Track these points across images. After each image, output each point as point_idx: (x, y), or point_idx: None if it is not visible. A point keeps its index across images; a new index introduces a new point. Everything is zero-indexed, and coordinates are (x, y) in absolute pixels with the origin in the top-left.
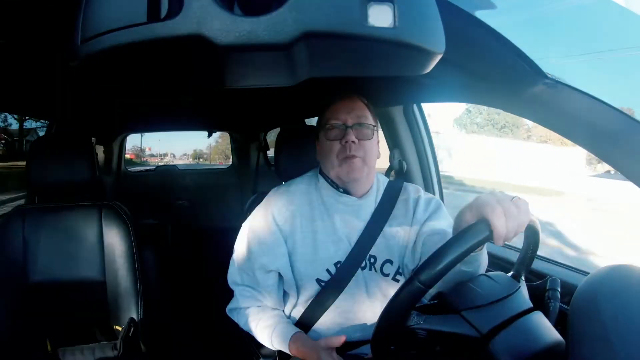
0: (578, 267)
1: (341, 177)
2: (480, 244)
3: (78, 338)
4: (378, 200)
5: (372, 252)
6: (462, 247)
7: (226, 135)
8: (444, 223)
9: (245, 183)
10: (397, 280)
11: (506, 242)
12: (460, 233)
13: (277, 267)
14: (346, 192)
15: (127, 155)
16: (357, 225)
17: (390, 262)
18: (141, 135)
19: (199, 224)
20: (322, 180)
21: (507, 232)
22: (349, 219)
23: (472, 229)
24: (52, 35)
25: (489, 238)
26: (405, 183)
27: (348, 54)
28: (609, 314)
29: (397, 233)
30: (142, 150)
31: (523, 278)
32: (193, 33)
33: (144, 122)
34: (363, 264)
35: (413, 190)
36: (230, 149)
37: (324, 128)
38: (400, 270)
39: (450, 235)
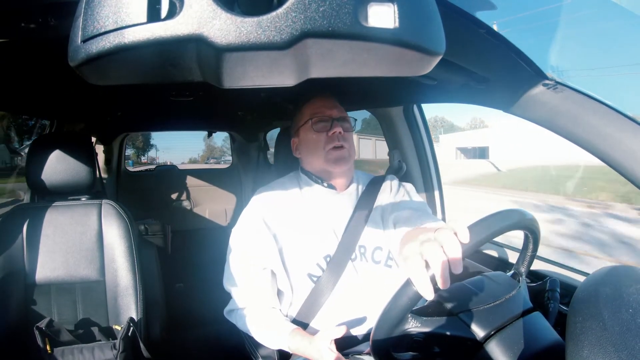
0: None
1: (328, 167)
2: (414, 302)
3: (77, 337)
4: (360, 192)
5: (361, 242)
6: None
7: (211, 145)
8: (414, 203)
9: (245, 183)
10: (390, 266)
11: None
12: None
13: (269, 265)
14: (330, 186)
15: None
16: (342, 217)
17: (380, 248)
18: (157, 151)
19: (198, 223)
20: (304, 177)
21: (432, 283)
22: (334, 212)
23: (403, 290)
24: (52, 34)
25: (417, 295)
26: (388, 175)
27: (348, 54)
28: (609, 314)
29: (382, 220)
30: (154, 159)
31: (524, 277)
32: (193, 33)
33: (144, 121)
34: (353, 255)
35: (392, 180)
36: (207, 158)
37: (308, 121)
38: (391, 256)
39: (416, 215)
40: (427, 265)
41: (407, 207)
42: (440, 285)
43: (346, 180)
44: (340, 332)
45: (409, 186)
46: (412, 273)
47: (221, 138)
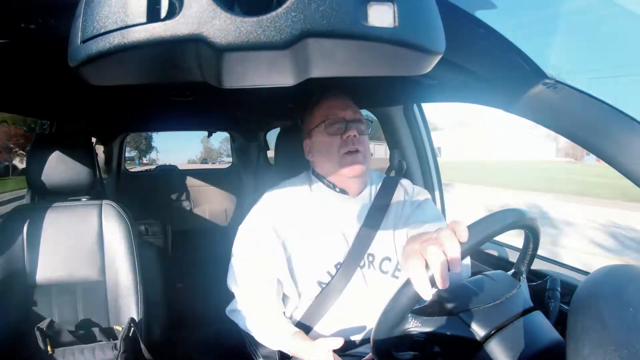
0: None
1: (343, 173)
2: (414, 301)
3: (78, 338)
4: (373, 197)
5: (370, 250)
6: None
7: (208, 147)
8: (429, 215)
9: (245, 183)
10: (397, 277)
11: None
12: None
13: (276, 273)
14: (342, 191)
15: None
16: (354, 225)
17: (389, 259)
18: (157, 152)
19: (199, 223)
20: (316, 180)
21: (430, 282)
22: (346, 219)
23: (403, 289)
24: (52, 35)
25: (418, 294)
26: (401, 179)
27: (348, 53)
28: (610, 313)
29: (394, 229)
30: (154, 160)
31: (524, 276)
32: (193, 33)
33: (144, 122)
34: (362, 263)
35: (405, 185)
36: (201, 160)
37: (321, 124)
38: (399, 267)
39: (434, 226)
40: (427, 265)
41: (424, 220)
42: (439, 285)
43: (360, 185)
44: (338, 344)
45: (423, 194)
46: (412, 273)
47: (218, 140)
